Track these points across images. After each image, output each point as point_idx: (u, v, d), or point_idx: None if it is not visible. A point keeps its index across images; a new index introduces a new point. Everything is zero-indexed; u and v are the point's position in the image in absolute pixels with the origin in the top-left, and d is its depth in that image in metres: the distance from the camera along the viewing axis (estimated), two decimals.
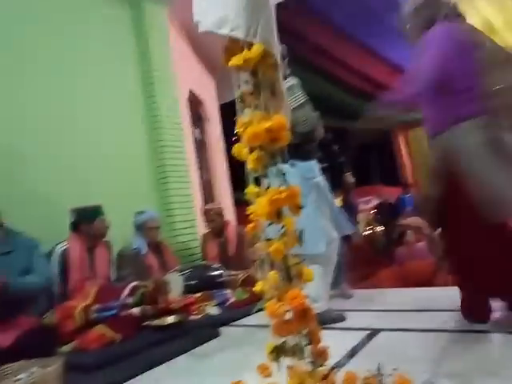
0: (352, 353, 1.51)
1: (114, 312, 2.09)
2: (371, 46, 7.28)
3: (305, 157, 2.13)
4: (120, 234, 2.94)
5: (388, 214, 6.51)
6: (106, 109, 3.30)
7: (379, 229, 7.02)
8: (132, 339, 1.97)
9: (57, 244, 2.48)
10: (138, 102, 3.62)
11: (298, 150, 2.00)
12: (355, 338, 1.68)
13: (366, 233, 7.08)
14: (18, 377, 1.02)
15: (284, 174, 1.09)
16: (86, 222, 2.58)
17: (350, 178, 2.91)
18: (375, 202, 8.47)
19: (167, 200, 3.57)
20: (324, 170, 2.71)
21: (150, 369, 1.65)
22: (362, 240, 6.07)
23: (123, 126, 3.43)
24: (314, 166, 2.20)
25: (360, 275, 3.21)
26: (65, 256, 2.45)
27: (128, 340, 1.95)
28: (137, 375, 1.59)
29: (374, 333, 1.74)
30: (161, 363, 1.70)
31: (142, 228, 2.98)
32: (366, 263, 4.57)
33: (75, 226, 2.59)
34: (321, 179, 2.20)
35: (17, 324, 1.89)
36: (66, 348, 1.90)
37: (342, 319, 2.02)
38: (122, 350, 1.82)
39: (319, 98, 2.97)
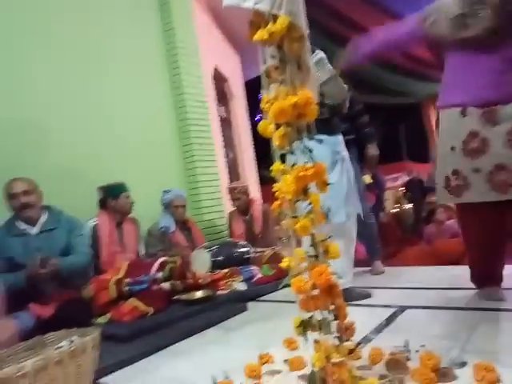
0: (378, 329, 1.52)
1: (144, 286, 2.17)
2: (403, 15, 6.93)
3: (331, 131, 2.08)
4: (147, 212, 3.02)
5: (417, 191, 6.35)
6: (131, 86, 3.31)
7: (408, 206, 6.87)
8: (162, 312, 2.05)
9: (87, 220, 2.58)
10: (163, 79, 3.63)
11: (325, 124, 1.97)
12: (382, 314, 1.68)
13: (394, 210, 6.96)
14: (60, 344, 1.09)
15: (311, 150, 1.07)
16: (112, 198, 2.67)
17: (373, 149, 2.75)
18: (404, 179, 8.27)
19: (193, 179, 3.62)
20: (350, 143, 2.66)
21: (179, 340, 1.71)
22: (390, 218, 5.97)
23: (149, 104, 3.45)
24: (340, 140, 2.15)
25: (387, 253, 3.17)
26: (95, 231, 2.55)
27: (159, 313, 2.03)
28: (167, 346, 1.65)
29: (401, 310, 1.73)
30: (190, 335, 1.76)
31: (169, 206, 3.04)
32: (393, 241, 4.51)
33: (103, 203, 2.69)
34: (346, 154, 2.16)
35: (57, 296, 2.01)
36: (100, 319, 2.00)
37: (368, 296, 2.02)
38: (154, 323, 1.89)
39: (361, 76, 2.86)
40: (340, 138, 2.16)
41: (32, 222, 2.18)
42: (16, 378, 0.87)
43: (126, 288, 2.13)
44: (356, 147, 2.76)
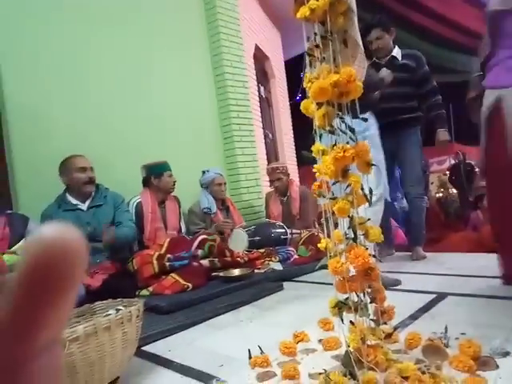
0: (417, 315, 1.49)
1: (185, 262, 2.25)
2: None
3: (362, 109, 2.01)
4: (188, 191, 3.09)
5: (465, 175, 6.04)
6: (172, 66, 3.35)
7: (453, 191, 6.56)
8: (201, 288, 2.12)
9: (131, 198, 2.69)
10: (204, 59, 3.64)
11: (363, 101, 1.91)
12: (421, 300, 1.65)
13: (439, 195, 6.67)
14: (107, 312, 1.17)
15: (352, 129, 1.05)
16: (155, 176, 2.75)
17: (445, 134, 2.62)
18: (451, 162, 7.87)
19: (232, 159, 3.65)
20: (412, 122, 2.56)
21: (217, 315, 1.77)
22: (434, 202, 5.74)
23: (190, 85, 3.48)
24: (369, 117, 2.08)
25: (430, 238, 3.07)
26: (139, 208, 2.66)
27: (198, 288, 2.11)
28: (205, 320, 1.72)
29: (441, 297, 1.69)
30: (227, 311, 1.81)
31: (208, 185, 3.10)
32: (436, 226, 4.35)
33: (146, 181, 2.78)
34: (373, 132, 2.09)
35: (104, 268, 2.13)
36: (143, 291, 2.10)
37: (396, 284, 1.96)
38: (193, 297, 1.97)
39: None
40: (369, 114, 2.10)
41: (83, 198, 2.32)
42: (68, 340, 0.94)
43: (168, 263, 2.22)
44: (420, 127, 2.66)
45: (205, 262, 2.36)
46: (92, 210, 2.33)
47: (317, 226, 3.01)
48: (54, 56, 2.59)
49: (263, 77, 4.95)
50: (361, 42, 1.11)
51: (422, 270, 2.27)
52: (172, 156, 2.96)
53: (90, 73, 2.79)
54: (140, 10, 3.16)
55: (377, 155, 2.03)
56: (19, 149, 2.39)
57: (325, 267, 1.04)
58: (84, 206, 2.32)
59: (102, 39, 2.87)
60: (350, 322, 0.97)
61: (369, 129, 2.04)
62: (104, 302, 1.30)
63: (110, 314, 1.10)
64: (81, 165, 2.28)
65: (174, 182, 2.83)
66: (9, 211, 2.05)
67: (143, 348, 1.43)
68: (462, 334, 1.19)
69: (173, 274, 2.15)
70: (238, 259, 2.50)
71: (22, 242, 1.88)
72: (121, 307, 1.21)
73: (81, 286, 1.91)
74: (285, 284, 2.18)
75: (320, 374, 1.01)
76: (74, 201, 2.30)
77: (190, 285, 2.10)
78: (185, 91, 3.42)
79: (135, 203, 2.67)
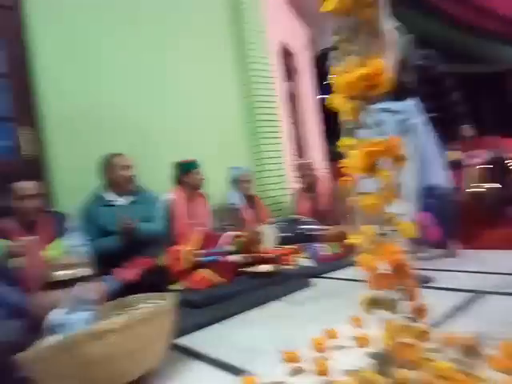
0: (452, 313, 1.45)
1: (214, 258, 2.29)
2: None
3: (399, 95, 1.92)
4: (216, 187, 3.13)
5: (504, 169, 5.78)
6: (198, 63, 3.38)
7: (490, 186, 6.30)
8: (231, 283, 2.15)
9: (162, 195, 2.74)
10: (230, 56, 3.66)
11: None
12: (457, 298, 1.60)
13: (475, 190, 6.42)
14: (143, 306, 1.21)
15: (380, 123, 1.03)
16: (184, 173, 2.81)
17: (469, 131, 2.55)
18: (487, 155, 7.54)
19: (258, 155, 3.66)
20: (435, 120, 2.48)
21: (246, 310, 1.79)
22: (470, 197, 5.54)
23: (215, 82, 3.51)
24: (410, 105, 2.00)
25: (465, 234, 2.96)
26: (169, 205, 2.72)
27: (227, 284, 2.14)
28: (235, 315, 1.74)
29: (478, 295, 1.63)
30: (255, 306, 1.83)
31: (236, 182, 3.13)
32: (472, 222, 4.19)
33: (176, 179, 2.84)
34: (418, 120, 2.01)
35: (138, 263, 2.20)
36: (175, 286, 2.15)
37: (428, 280, 1.91)
38: (222, 292, 2.00)
39: (434, 40, 2.65)
40: (411, 103, 2.01)
41: (120, 194, 2.40)
42: (107, 331, 0.98)
43: (198, 259, 2.27)
44: (440, 127, 2.59)
45: (233, 258, 2.38)
46: (127, 206, 2.41)
47: (346, 221, 2.97)
48: (90, 59, 2.69)
49: (289, 72, 4.92)
50: (390, 33, 1.09)
51: (457, 267, 2.20)
52: (200, 154, 3.00)
53: (116, 73, 2.86)
54: (165, 10, 3.20)
55: (423, 143, 1.96)
56: (56, 149, 2.50)
57: (355, 263, 1.03)
58: (120, 202, 2.41)
59: (126, 39, 2.94)
60: (383, 319, 0.95)
61: (411, 117, 1.97)
62: (139, 295, 1.34)
63: (145, 307, 1.14)
64: (125, 163, 2.39)
65: (203, 179, 2.88)
66: (49, 209, 2.15)
67: (177, 341, 1.47)
68: (501, 333, 1.14)
69: (203, 270, 2.19)
70: (266, 255, 2.51)
71: (61, 237, 1.97)
72: (155, 301, 1.24)
73: (115, 280, 1.98)
74: (314, 280, 2.17)
75: (353, 371, 1.01)
76: (110, 197, 2.40)
77: (219, 280, 2.13)
78: (210, 90, 3.45)
79: (166, 200, 2.73)
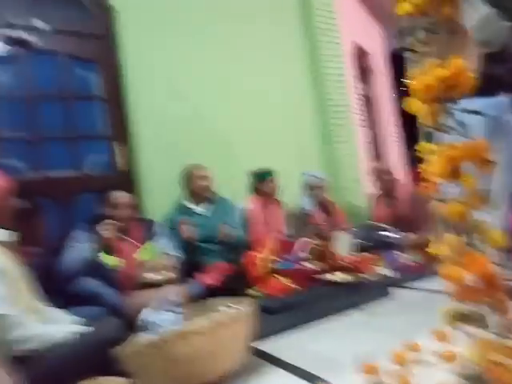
0: None
1: (290, 264, 2.31)
2: None
3: (488, 90, 1.73)
4: (290, 195, 3.15)
5: None
6: (271, 70, 3.42)
7: None
8: (306, 290, 2.15)
9: (239, 203, 2.84)
10: (302, 61, 3.66)
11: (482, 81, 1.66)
12: None
13: None
14: (223, 309, 1.27)
15: (464, 125, 0.97)
16: (259, 182, 2.89)
17: None
18: None
19: (333, 160, 3.60)
20: None
21: (322, 318, 1.77)
22: None
23: (288, 88, 3.53)
24: (502, 101, 1.79)
25: None
26: (246, 212, 2.81)
27: (302, 291, 2.14)
28: (311, 322, 1.74)
29: None
30: (332, 315, 1.81)
31: (309, 188, 3.12)
32: None
33: (252, 187, 2.93)
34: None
35: (219, 268, 2.32)
36: (252, 291, 2.21)
37: None
38: (298, 299, 2.01)
39: None
40: (504, 99, 1.80)
41: (200, 203, 2.56)
42: (190, 332, 1.05)
43: (274, 265, 2.31)
44: None
45: (309, 265, 2.38)
46: (207, 214, 2.55)
47: (428, 229, 2.80)
48: (176, 76, 2.91)
49: (363, 73, 4.79)
50: (473, 29, 1.03)
51: None
52: (276, 161, 3.05)
53: (202, 88, 3.04)
54: (235, 19, 3.30)
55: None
56: (146, 162, 2.74)
57: (438, 274, 0.98)
58: (200, 211, 2.56)
59: (208, 55, 3.10)
60: (470, 334, 0.89)
61: (504, 115, 1.77)
62: (219, 299, 1.42)
63: (225, 311, 1.20)
64: (202, 173, 2.56)
65: (278, 187, 2.93)
66: (140, 216, 2.37)
67: (254, 345, 1.51)
68: None
69: (279, 276, 2.23)
70: (342, 263, 2.46)
71: (150, 242, 2.15)
72: (235, 305, 1.30)
73: (198, 285, 2.10)
74: (393, 290, 2.08)
75: None
76: (192, 205, 2.56)
77: (295, 287, 2.14)
78: (283, 96, 3.48)
79: (243, 207, 2.83)
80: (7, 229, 1.32)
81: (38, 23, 2.52)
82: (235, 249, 2.53)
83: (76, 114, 2.63)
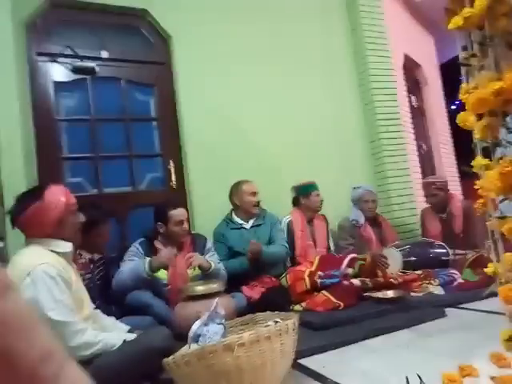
0: None
1: (335, 280, 2.27)
2: None
3: None
4: (337, 209, 3.12)
5: None
6: (319, 86, 3.45)
7: None
8: (353, 307, 2.10)
9: (283, 217, 2.86)
10: (350, 77, 3.65)
11: None
12: None
13: None
14: (267, 324, 1.29)
15: None
16: (303, 196, 2.88)
17: None
18: None
19: (382, 175, 3.53)
20: None
21: (370, 337, 1.72)
22: None
23: (337, 103, 3.53)
24: None
25: None
26: (290, 227, 2.81)
27: (349, 308, 2.09)
28: (359, 341, 1.69)
29: None
30: (380, 334, 1.75)
31: (358, 202, 3.06)
32: None
33: (296, 201, 2.93)
34: None
35: (262, 282, 2.34)
36: (296, 307, 2.20)
37: None
38: (345, 316, 1.96)
39: None
40: None
41: (247, 218, 2.61)
42: (236, 345, 1.07)
43: (319, 280, 2.28)
44: None
45: (356, 282, 2.33)
46: (254, 228, 2.61)
47: (486, 246, 2.64)
48: (224, 95, 3.04)
49: (415, 85, 4.67)
50: None
51: None
52: (320, 175, 3.05)
53: (249, 105, 3.13)
54: (282, 33, 3.36)
55: None
56: (194, 178, 2.84)
57: (495, 294, 0.93)
58: (247, 225, 2.61)
59: (250, 73, 3.18)
60: None
61: None
62: (263, 313, 1.43)
63: (269, 325, 1.21)
64: (252, 190, 2.62)
65: (322, 201, 2.91)
66: (194, 232, 2.46)
67: (299, 361, 1.50)
68: None
69: (324, 292, 2.20)
70: (392, 280, 2.38)
71: (202, 257, 2.22)
72: (279, 319, 1.31)
73: (242, 298, 2.12)
74: (447, 310, 1.98)
75: None
76: (239, 220, 2.62)
77: (341, 303, 2.10)
78: (331, 111, 3.48)
79: (287, 222, 2.84)
80: (69, 241, 1.42)
81: (103, 53, 2.74)
82: (279, 263, 2.54)
83: (134, 135, 2.83)
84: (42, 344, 0.29)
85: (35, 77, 2.55)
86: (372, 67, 3.58)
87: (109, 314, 1.64)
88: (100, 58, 2.75)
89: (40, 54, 2.58)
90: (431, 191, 3.13)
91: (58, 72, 2.64)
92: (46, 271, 1.25)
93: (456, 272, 2.48)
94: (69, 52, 2.65)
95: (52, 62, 2.62)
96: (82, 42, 2.72)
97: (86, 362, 1.27)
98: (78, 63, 2.67)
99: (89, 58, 2.72)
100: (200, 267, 2.13)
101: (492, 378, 1.11)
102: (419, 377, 1.15)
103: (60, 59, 2.64)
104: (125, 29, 2.88)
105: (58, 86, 2.63)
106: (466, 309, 2.04)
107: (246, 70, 3.16)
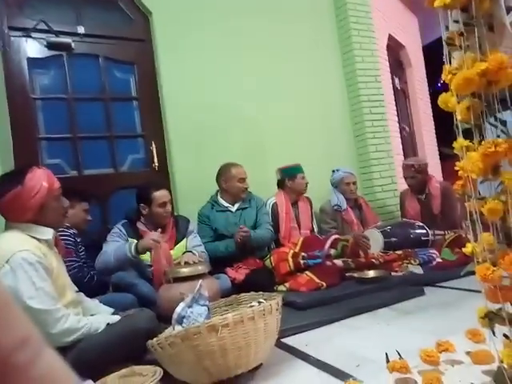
0: None
1: (318, 261, 2.31)
2: None
3: None
4: (320, 191, 3.13)
5: None
6: (301, 68, 3.40)
7: None
8: (335, 287, 2.14)
9: (267, 199, 2.86)
10: (333, 58, 3.62)
11: None
12: None
13: None
14: (251, 304, 1.30)
15: (504, 122, 0.94)
16: (289, 178, 2.88)
17: None
18: None
19: (365, 157, 3.55)
20: None
21: (351, 316, 1.76)
22: None
23: (320, 85, 3.49)
24: None
25: None
26: (274, 209, 2.82)
27: (331, 287, 2.13)
28: (341, 319, 1.73)
29: None
30: (361, 312, 1.79)
31: (339, 184, 3.07)
32: None
33: (281, 183, 2.93)
34: None
35: (247, 263, 2.34)
36: (280, 287, 2.23)
37: None
38: (327, 296, 2.00)
39: None
40: None
41: (233, 201, 2.60)
42: (220, 326, 1.08)
43: (302, 261, 2.31)
44: None
45: (338, 262, 2.37)
46: (239, 211, 2.59)
47: (464, 226, 2.71)
48: (209, 76, 2.97)
49: (398, 67, 4.66)
50: (508, 23, 0.99)
51: None
52: (305, 157, 3.04)
53: (234, 88, 3.07)
54: (269, 14, 3.30)
55: None
56: (178, 159, 2.79)
57: (472, 273, 0.95)
58: (233, 208, 2.60)
59: (240, 53, 3.12)
60: (504, 335, 0.87)
61: None
62: (247, 294, 1.44)
63: (253, 306, 1.22)
64: (242, 176, 2.58)
65: (307, 183, 2.91)
66: (177, 214, 2.43)
67: (282, 340, 1.53)
68: None
69: (307, 272, 2.23)
70: (373, 260, 2.43)
71: (185, 239, 2.21)
72: (262, 300, 1.32)
73: (227, 279, 2.13)
74: (426, 289, 2.04)
75: None
76: (225, 203, 2.60)
77: (324, 283, 2.14)
78: (315, 93, 3.46)
79: (271, 204, 2.84)
80: (51, 226, 1.38)
81: (80, 29, 2.63)
82: (259, 247, 2.54)
83: (115, 115, 2.74)
84: (16, 330, 0.28)
85: (8, 53, 2.44)
86: (356, 48, 3.55)
87: (89, 292, 1.62)
88: (77, 34, 2.64)
89: (12, 29, 2.46)
90: (410, 173, 3.17)
91: (32, 48, 2.52)
92: (26, 258, 1.22)
93: (435, 252, 2.55)
94: (43, 27, 2.53)
95: (25, 37, 2.50)
96: (58, 17, 2.59)
97: (69, 346, 1.26)
98: (53, 39, 2.55)
99: (65, 33, 2.60)
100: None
101: (467, 353, 1.15)
102: (398, 353, 1.18)
103: (34, 34, 2.51)
104: (103, 3, 2.76)
105: (33, 62, 2.52)
106: (445, 287, 2.10)
107: (230, 50, 3.09)
